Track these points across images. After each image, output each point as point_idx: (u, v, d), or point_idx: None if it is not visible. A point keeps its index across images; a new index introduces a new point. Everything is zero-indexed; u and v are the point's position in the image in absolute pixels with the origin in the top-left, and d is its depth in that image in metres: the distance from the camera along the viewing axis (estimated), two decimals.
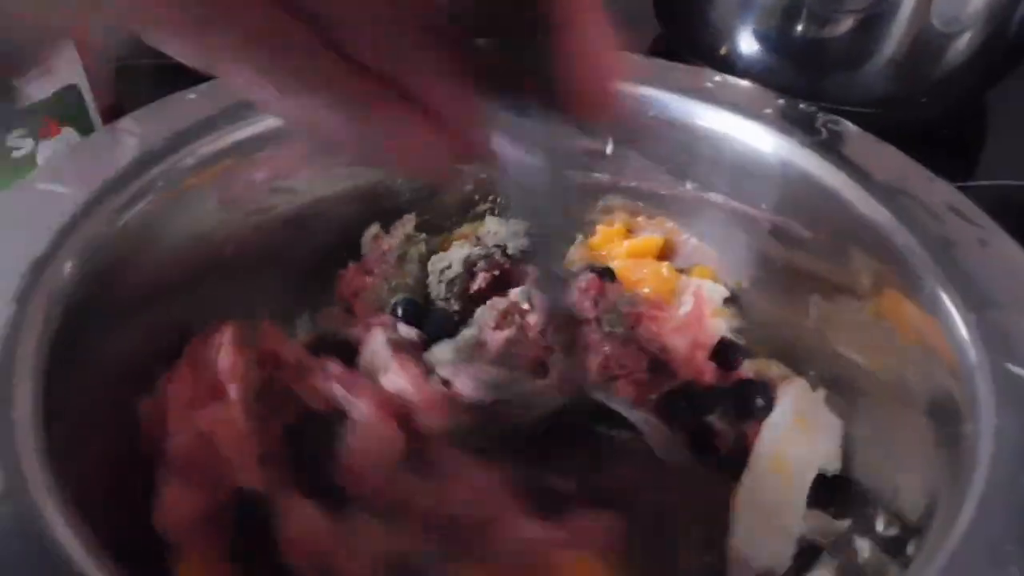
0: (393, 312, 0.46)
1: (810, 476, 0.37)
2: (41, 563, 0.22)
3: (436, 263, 0.48)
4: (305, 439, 0.37)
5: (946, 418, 0.30)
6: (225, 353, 0.37)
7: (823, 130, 0.42)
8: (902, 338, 0.35)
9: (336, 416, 0.37)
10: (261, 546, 0.33)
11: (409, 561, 0.32)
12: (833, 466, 0.38)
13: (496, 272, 0.46)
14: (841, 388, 0.40)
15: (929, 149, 0.65)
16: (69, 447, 0.27)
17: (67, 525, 0.23)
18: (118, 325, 0.35)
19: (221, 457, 0.34)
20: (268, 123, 0.42)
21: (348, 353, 0.42)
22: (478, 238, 0.49)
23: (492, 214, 0.50)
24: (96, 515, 0.25)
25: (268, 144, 0.42)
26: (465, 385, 0.39)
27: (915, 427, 0.33)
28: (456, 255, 0.47)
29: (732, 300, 0.46)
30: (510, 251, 0.48)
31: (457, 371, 0.40)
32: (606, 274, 0.45)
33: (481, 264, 0.47)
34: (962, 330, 0.31)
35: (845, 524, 0.36)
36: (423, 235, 0.49)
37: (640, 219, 0.49)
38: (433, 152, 0.22)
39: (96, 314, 0.34)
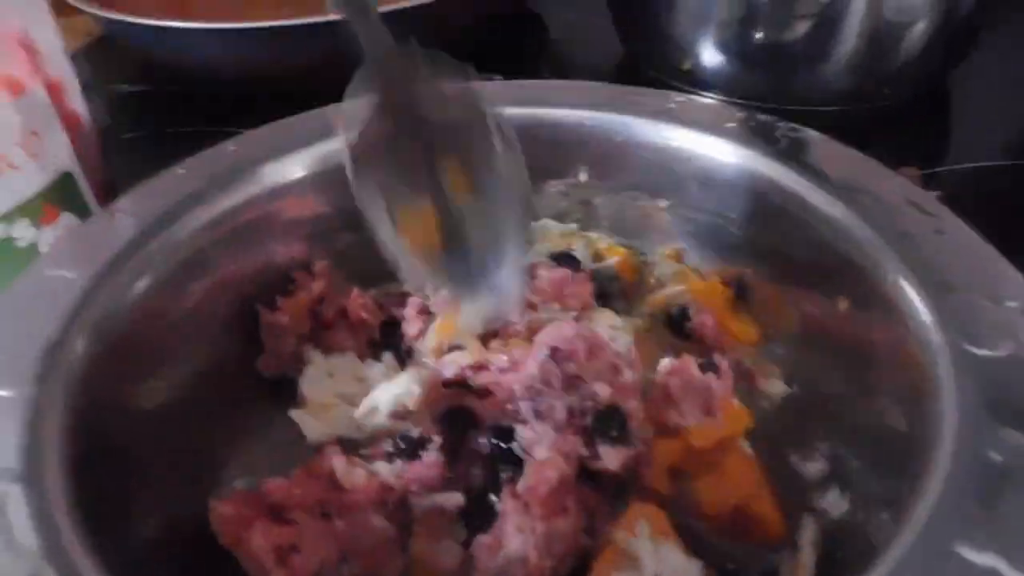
0: None
1: None
2: None
3: None
4: None
5: (912, 400, 0.32)
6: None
7: (782, 138, 0.45)
8: (873, 327, 0.37)
9: None
10: None
11: None
12: None
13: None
14: (819, 379, 0.41)
15: (897, 137, 0.68)
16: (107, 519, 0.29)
17: None
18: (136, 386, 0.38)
19: None
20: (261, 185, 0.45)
21: None
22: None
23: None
24: None
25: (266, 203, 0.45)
26: None
27: (883, 411, 0.35)
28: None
29: None
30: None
31: None
32: None
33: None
34: (924, 316, 0.33)
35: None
36: None
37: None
38: None
39: (113, 386, 0.36)
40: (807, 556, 0.35)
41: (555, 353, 0.39)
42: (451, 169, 0.37)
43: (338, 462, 0.38)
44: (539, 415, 0.39)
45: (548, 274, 0.45)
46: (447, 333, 0.43)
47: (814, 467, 0.39)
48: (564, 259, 0.48)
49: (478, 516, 0.38)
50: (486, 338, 0.43)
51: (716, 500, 0.37)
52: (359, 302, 0.47)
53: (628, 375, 0.40)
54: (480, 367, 0.41)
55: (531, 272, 0.46)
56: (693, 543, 0.36)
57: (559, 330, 0.41)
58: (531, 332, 0.42)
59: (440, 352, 0.43)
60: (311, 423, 0.43)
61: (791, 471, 0.39)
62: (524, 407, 0.39)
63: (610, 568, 0.34)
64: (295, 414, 0.43)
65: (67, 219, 0.47)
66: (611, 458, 0.37)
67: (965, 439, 0.28)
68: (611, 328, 0.43)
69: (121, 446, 0.35)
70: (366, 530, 0.36)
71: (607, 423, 0.38)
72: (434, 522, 0.38)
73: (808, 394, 0.42)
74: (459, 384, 0.41)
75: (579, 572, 0.35)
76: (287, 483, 0.37)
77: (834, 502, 0.37)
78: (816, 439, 0.39)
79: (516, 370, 0.40)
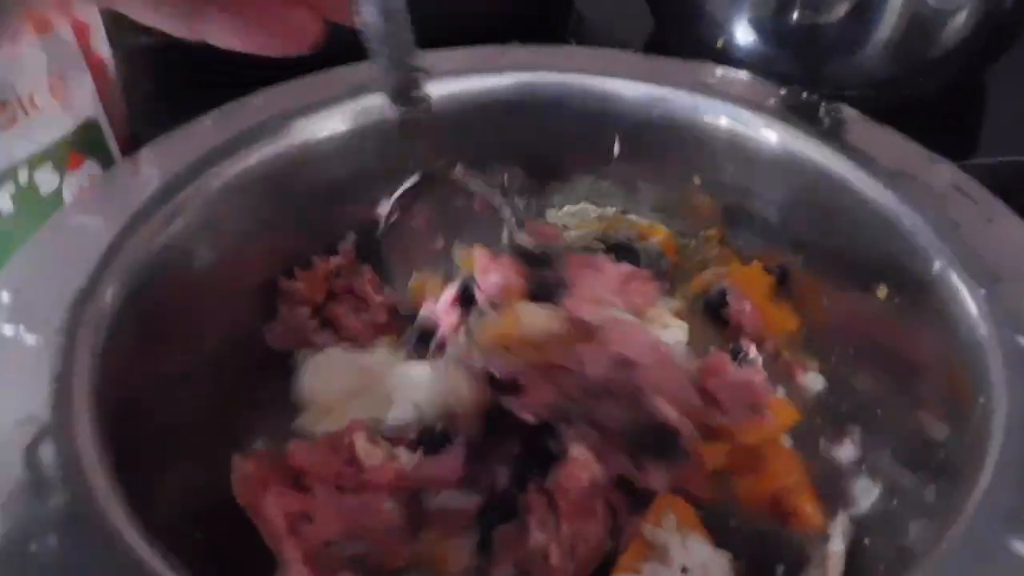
0: None
1: None
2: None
3: None
4: None
5: (960, 393, 0.31)
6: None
7: (826, 119, 0.44)
8: (915, 318, 0.36)
9: None
10: None
11: None
12: None
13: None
14: (855, 373, 0.41)
15: (929, 129, 0.66)
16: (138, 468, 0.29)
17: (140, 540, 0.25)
18: (163, 343, 0.37)
19: None
20: (291, 141, 0.44)
21: None
22: None
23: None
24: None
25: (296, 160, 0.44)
26: None
27: (930, 404, 0.34)
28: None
29: None
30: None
31: None
32: None
33: None
34: (972, 307, 0.32)
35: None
36: None
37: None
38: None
39: (141, 338, 0.35)
40: (837, 545, 0.34)
41: (623, 361, 0.38)
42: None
43: (359, 438, 0.37)
44: (593, 422, 0.37)
45: (614, 270, 0.44)
46: (505, 336, 0.40)
47: (844, 454, 0.38)
48: (624, 252, 0.46)
49: (499, 515, 0.36)
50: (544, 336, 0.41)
51: (754, 491, 0.37)
52: (367, 277, 0.46)
53: (693, 397, 0.38)
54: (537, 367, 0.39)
55: (594, 266, 0.45)
56: (720, 534, 0.35)
57: (631, 337, 0.39)
58: (588, 330, 0.40)
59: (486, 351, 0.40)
60: (315, 423, 0.40)
61: (821, 457, 0.39)
62: (576, 410, 0.37)
63: (636, 559, 0.33)
64: (299, 425, 0.41)
65: (91, 167, 0.45)
66: (660, 481, 0.36)
67: (1017, 434, 0.27)
68: (665, 327, 0.42)
69: (147, 400, 0.35)
70: (377, 512, 0.35)
71: (666, 447, 0.36)
72: (448, 520, 0.37)
73: (844, 387, 0.41)
74: (510, 385, 0.38)
75: (602, 566, 0.34)
76: (309, 449, 0.37)
77: (864, 490, 0.36)
78: (849, 428, 0.39)
79: (579, 370, 0.38)
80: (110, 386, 0.31)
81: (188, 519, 0.34)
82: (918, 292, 0.36)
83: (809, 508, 0.36)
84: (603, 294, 0.43)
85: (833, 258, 0.42)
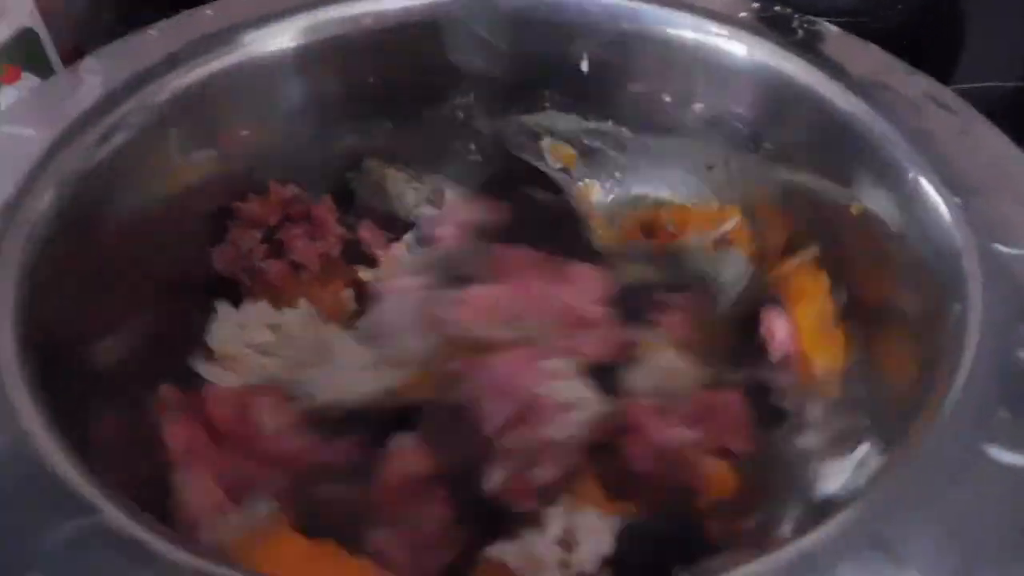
0: None
1: None
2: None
3: None
4: None
5: (935, 300, 0.30)
6: None
7: (799, 31, 0.42)
8: (889, 229, 0.35)
9: None
10: None
11: None
12: None
13: None
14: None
15: (906, 55, 0.65)
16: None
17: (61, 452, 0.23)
18: (96, 263, 0.35)
19: None
20: (235, 56, 0.42)
21: None
22: None
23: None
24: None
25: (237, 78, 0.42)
26: None
27: (905, 311, 0.33)
28: None
29: None
30: None
31: None
32: None
33: None
34: (947, 215, 0.31)
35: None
36: None
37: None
38: None
39: (72, 254, 0.33)
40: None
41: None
42: None
43: (264, 403, 0.34)
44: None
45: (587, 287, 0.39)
46: None
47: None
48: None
49: None
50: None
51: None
52: (328, 205, 0.44)
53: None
54: None
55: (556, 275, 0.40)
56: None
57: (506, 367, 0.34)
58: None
59: None
60: (221, 374, 0.37)
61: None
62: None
63: None
64: (202, 368, 0.38)
65: (29, 81, 0.43)
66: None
67: (992, 339, 0.26)
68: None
69: (81, 326, 0.33)
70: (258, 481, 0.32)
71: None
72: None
73: None
74: None
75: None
76: (220, 398, 0.34)
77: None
78: None
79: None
80: (38, 303, 0.29)
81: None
82: (894, 205, 0.35)
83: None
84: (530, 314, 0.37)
85: (807, 174, 0.40)
